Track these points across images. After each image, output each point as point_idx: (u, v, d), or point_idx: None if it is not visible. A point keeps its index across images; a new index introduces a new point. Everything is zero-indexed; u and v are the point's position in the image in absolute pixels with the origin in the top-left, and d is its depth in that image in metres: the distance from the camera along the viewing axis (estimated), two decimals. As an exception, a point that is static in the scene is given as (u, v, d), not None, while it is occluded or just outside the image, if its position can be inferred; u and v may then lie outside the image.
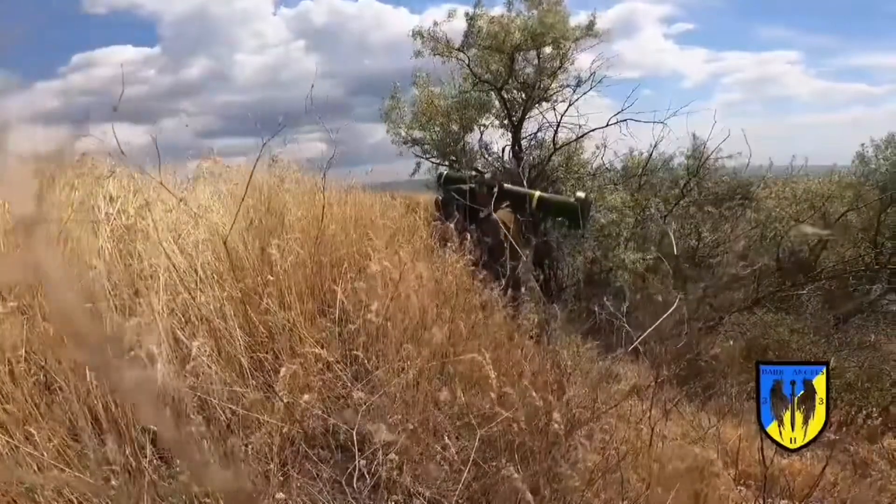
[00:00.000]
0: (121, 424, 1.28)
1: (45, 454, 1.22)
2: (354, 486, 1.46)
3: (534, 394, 1.57)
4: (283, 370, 1.30)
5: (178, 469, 1.20)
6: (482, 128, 8.60)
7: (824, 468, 2.41)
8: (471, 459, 1.51)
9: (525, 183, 7.00)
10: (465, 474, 1.60)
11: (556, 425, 1.47)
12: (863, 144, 9.26)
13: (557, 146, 8.08)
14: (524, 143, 8.30)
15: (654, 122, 7.90)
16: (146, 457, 1.26)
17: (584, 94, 8.04)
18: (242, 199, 1.96)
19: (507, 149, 8.40)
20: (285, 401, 1.18)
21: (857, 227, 8.75)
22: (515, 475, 1.28)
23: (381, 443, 1.50)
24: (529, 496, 1.31)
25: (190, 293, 1.71)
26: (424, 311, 1.94)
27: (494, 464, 1.65)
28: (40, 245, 0.35)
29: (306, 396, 1.21)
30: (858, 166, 9.13)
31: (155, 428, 1.19)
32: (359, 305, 1.86)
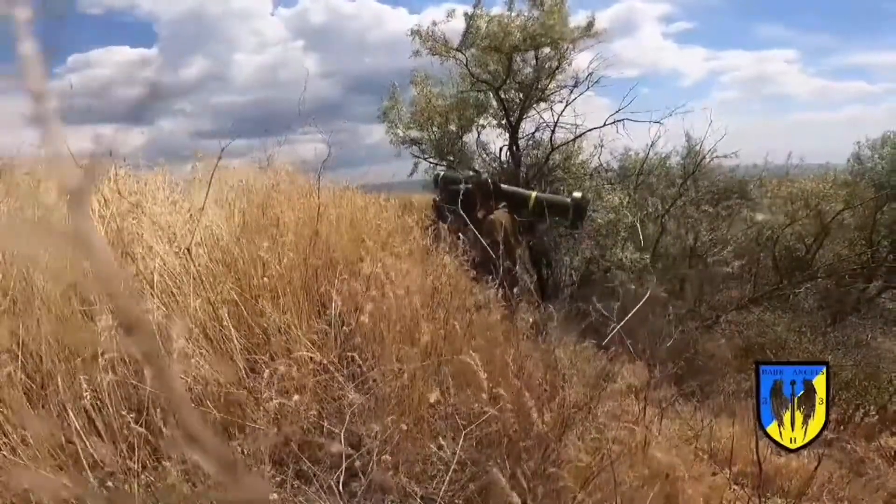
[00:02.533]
0: (115, 425, 1.29)
1: (39, 455, 1.23)
2: (342, 488, 1.47)
3: (526, 394, 1.58)
4: (266, 371, 1.31)
5: (172, 470, 1.21)
6: (480, 128, 8.62)
7: (817, 467, 2.42)
8: (457, 459, 1.51)
9: (522, 183, 7.02)
10: (460, 474, 1.61)
11: (545, 426, 1.48)
12: (858, 143, 9.31)
13: (555, 146, 8.09)
14: (522, 143, 8.30)
15: (650, 122, 7.91)
16: (140, 458, 1.27)
17: (582, 94, 8.06)
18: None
19: (505, 149, 8.41)
20: (274, 402, 1.19)
21: (852, 225, 8.79)
22: (500, 477, 1.29)
23: (377, 443, 1.51)
24: (516, 497, 1.32)
25: (184, 296, 1.72)
26: (418, 313, 1.94)
27: (490, 464, 1.66)
28: (88, 218, 0.36)
29: (296, 397, 1.22)
30: (854, 165, 9.17)
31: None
32: (353, 307, 1.87)
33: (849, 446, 4.37)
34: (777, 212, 8.61)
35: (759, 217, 8.17)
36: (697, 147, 8.38)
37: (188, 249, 1.64)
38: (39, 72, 0.35)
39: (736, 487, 2.59)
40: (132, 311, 0.36)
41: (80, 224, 0.34)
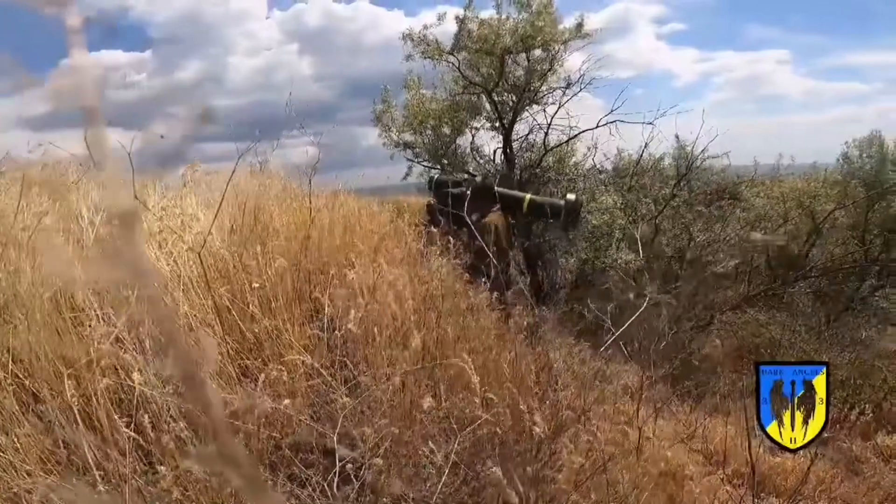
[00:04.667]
0: (105, 430, 1.29)
1: (28, 460, 1.23)
2: (335, 490, 1.47)
3: (518, 397, 1.58)
4: (262, 376, 1.31)
5: (162, 474, 1.21)
6: (473, 131, 8.61)
7: (810, 466, 2.43)
8: (450, 462, 1.51)
9: (516, 186, 7.02)
10: (452, 477, 1.61)
11: (537, 428, 1.48)
12: (847, 143, 9.39)
13: (548, 148, 8.09)
14: (515, 145, 8.30)
15: (643, 123, 7.91)
16: (131, 462, 1.26)
17: (575, 95, 8.04)
18: (224, 206, 1.97)
19: (499, 151, 8.41)
20: (267, 406, 1.19)
21: (845, 224, 8.84)
22: (500, 475, 1.29)
23: (368, 447, 1.51)
24: (514, 496, 1.32)
25: (174, 301, 1.71)
26: (411, 316, 1.95)
27: (480, 467, 1.66)
28: (138, 242, 0.36)
29: (286, 401, 1.22)
30: (843, 164, 9.25)
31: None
32: (345, 311, 1.87)
33: (845, 445, 4.39)
34: (759, 220, 8.65)
35: (757, 236, 8.20)
36: (689, 148, 8.40)
37: (174, 257, 1.64)
38: (91, 76, 0.35)
39: (730, 488, 2.60)
40: (175, 336, 0.36)
41: (133, 249, 0.34)
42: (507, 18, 7.90)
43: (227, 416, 1.40)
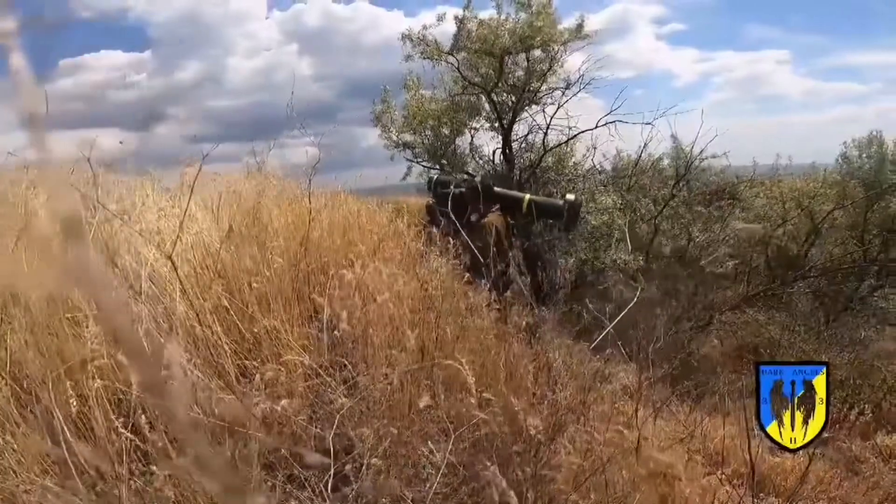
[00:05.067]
0: (101, 431, 1.28)
1: (24, 461, 1.23)
2: (333, 493, 1.46)
3: (514, 399, 1.58)
4: (256, 376, 1.31)
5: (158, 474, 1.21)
6: (473, 131, 8.62)
7: (808, 466, 2.43)
8: (444, 462, 1.51)
9: (515, 186, 7.02)
10: (451, 477, 1.61)
11: (533, 430, 1.48)
12: (845, 143, 9.40)
13: (547, 149, 8.09)
14: (515, 145, 8.31)
15: (642, 124, 7.92)
16: (128, 463, 1.26)
17: (574, 95, 8.06)
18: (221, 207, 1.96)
19: (498, 152, 8.41)
20: (264, 406, 1.19)
21: (844, 224, 8.85)
22: (497, 477, 1.29)
23: (367, 447, 1.51)
24: (513, 497, 1.32)
25: (172, 301, 1.71)
26: (407, 317, 1.94)
27: (479, 468, 1.66)
28: (85, 248, 0.35)
29: (283, 402, 1.22)
30: (842, 165, 9.26)
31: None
32: (344, 312, 1.87)
33: (844, 445, 4.39)
34: (758, 220, 8.68)
35: (740, 226, 8.26)
36: (688, 149, 8.42)
37: (172, 257, 1.64)
38: (29, 80, 0.34)
39: (729, 488, 2.59)
40: (134, 340, 0.36)
41: (80, 258, 0.33)
42: (507, 19, 7.92)
43: (220, 418, 1.40)
